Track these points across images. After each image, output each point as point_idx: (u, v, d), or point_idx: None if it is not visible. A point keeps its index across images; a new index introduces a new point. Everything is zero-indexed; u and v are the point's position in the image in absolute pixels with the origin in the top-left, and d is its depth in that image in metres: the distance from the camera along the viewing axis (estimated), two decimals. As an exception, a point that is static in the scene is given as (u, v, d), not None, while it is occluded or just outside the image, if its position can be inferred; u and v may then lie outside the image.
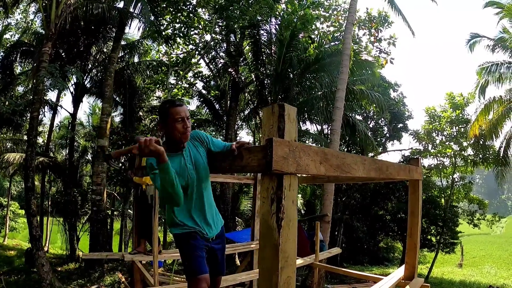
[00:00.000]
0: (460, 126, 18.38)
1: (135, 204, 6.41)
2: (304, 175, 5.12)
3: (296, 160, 1.65)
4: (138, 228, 6.35)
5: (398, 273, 4.36)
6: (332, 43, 15.74)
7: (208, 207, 2.84)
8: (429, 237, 19.76)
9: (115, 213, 21.71)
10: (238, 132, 22.31)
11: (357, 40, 16.13)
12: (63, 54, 16.46)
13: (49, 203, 22.18)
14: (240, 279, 5.41)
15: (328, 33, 15.86)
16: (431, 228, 19.72)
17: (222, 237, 3.06)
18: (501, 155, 16.62)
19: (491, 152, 18.07)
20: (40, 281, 9.27)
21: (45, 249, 15.28)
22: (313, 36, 15.63)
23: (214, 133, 21.83)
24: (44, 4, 11.42)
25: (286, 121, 1.66)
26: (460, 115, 18.32)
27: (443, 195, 20.29)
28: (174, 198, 2.49)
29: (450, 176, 19.94)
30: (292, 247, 1.63)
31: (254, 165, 1.76)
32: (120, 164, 20.47)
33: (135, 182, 6.28)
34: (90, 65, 17.71)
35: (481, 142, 17.66)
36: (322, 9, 15.70)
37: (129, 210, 21.02)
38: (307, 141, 19.10)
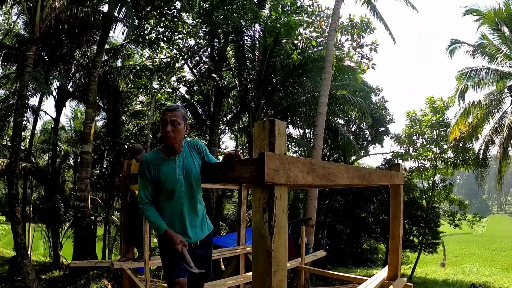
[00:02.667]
0: (440, 129, 18.81)
1: (124, 210, 6.38)
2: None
3: (286, 172, 1.77)
4: (127, 234, 6.32)
5: (381, 274, 4.50)
6: (315, 49, 15.93)
7: (192, 214, 2.88)
8: (411, 238, 20.10)
9: (98, 219, 21.50)
10: (221, 137, 22.37)
11: (340, 46, 16.35)
12: (46, 57, 16.28)
13: (31, 209, 21.81)
14: (229, 283, 5.47)
15: (311, 39, 16.04)
16: (414, 229, 20.07)
17: (208, 243, 3.08)
18: (481, 157, 17.02)
19: (470, 154, 18.53)
20: (26, 290, 9.17)
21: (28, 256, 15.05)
22: (296, 42, 15.81)
23: (197, 138, 21.82)
24: (28, 6, 11.30)
25: (277, 136, 1.76)
26: (440, 119, 18.74)
27: (424, 197, 20.69)
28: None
29: (431, 178, 20.37)
30: (283, 252, 1.75)
31: (246, 176, 1.86)
32: (103, 170, 20.34)
33: (124, 187, 6.26)
34: (73, 69, 17.54)
35: (461, 145, 18.10)
36: (305, 15, 15.86)
37: (112, 216, 20.84)
38: (290, 145, 19.26)
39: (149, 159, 2.81)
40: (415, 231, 20.29)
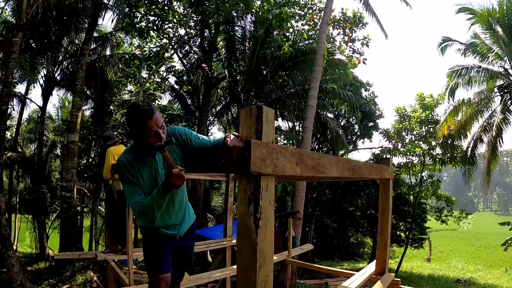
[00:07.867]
0: (429, 126, 18.90)
1: (107, 201, 6.29)
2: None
3: (273, 161, 1.67)
4: (110, 226, 6.23)
5: (369, 268, 4.47)
6: (306, 42, 15.84)
7: (178, 209, 2.78)
8: (398, 232, 20.28)
9: (85, 209, 21.29)
10: (210, 128, 22.25)
11: (331, 39, 16.26)
12: (33, 44, 15.93)
13: (17, 199, 21.52)
14: (215, 276, 5.40)
15: (303, 31, 15.94)
16: (400, 224, 20.24)
17: (192, 233, 3.02)
18: (469, 155, 17.15)
19: (458, 151, 18.65)
20: (11, 282, 8.97)
21: (14, 247, 14.88)
22: (287, 34, 15.69)
23: (186, 129, 21.61)
24: (15, -9, 11.00)
25: (264, 123, 1.66)
26: (430, 115, 18.83)
27: (412, 192, 20.81)
28: (149, 217, 2.53)
29: (419, 174, 20.50)
30: (269, 246, 1.66)
31: (231, 165, 1.78)
32: (90, 160, 20.08)
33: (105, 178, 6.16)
34: (61, 57, 17.21)
35: (449, 142, 18.20)
36: (298, 7, 15.73)
37: (99, 207, 20.65)
38: (278, 138, 19.20)
39: (128, 162, 2.48)
40: (402, 226, 20.46)
